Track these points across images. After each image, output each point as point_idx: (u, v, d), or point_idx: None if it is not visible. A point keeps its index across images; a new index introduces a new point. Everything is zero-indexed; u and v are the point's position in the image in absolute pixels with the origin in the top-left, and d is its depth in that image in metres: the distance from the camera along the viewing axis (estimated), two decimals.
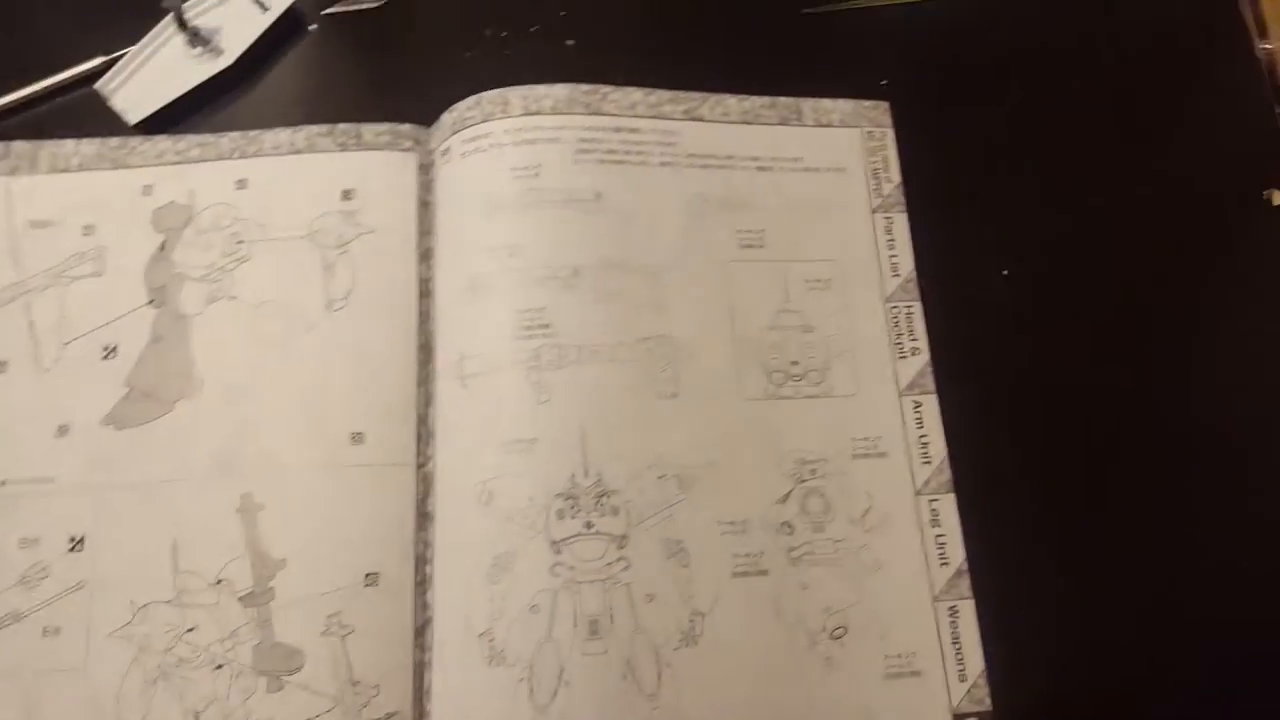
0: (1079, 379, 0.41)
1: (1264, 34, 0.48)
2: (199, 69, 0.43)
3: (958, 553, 0.39)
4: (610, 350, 0.38)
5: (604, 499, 0.37)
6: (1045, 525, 0.40)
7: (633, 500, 0.38)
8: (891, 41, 0.46)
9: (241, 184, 0.41)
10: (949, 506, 0.40)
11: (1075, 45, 0.47)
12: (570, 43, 0.45)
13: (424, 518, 0.37)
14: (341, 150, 0.41)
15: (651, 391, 0.38)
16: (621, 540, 0.37)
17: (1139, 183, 0.44)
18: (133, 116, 0.43)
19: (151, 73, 0.43)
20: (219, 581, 0.35)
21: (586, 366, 0.38)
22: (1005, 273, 0.43)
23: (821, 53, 0.46)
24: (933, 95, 0.45)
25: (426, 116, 0.42)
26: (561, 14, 0.46)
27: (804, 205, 0.42)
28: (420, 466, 0.38)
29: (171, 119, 0.43)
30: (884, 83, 0.45)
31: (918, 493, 0.40)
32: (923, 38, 0.46)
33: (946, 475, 0.40)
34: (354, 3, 0.46)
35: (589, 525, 0.37)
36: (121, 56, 0.43)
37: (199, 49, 0.44)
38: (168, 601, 0.35)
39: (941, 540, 0.39)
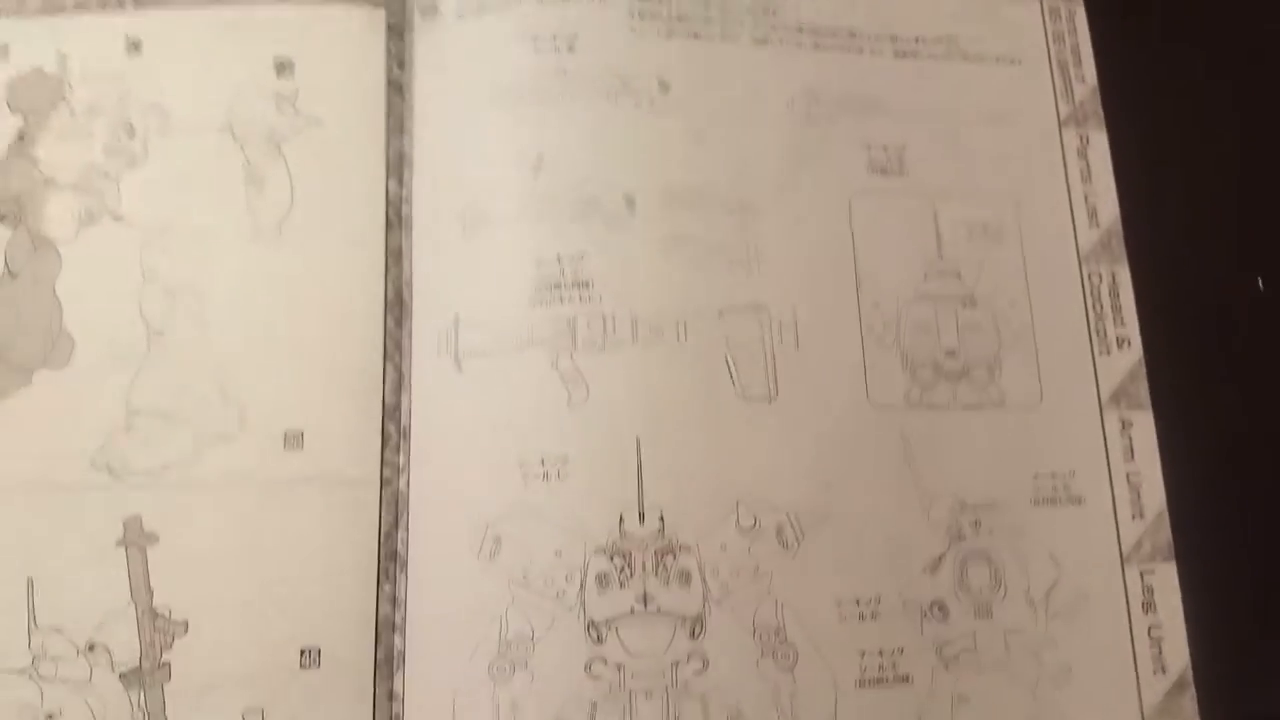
0: None
1: None
2: None
3: (1179, 654, 0.27)
4: (678, 325, 0.28)
5: (668, 558, 0.26)
6: None
7: (711, 561, 0.26)
8: None
9: (134, 47, 0.31)
10: (1168, 581, 0.27)
11: None
12: None
13: (391, 560, 0.27)
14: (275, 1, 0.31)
15: (737, 391, 0.28)
16: (695, 624, 0.25)
17: None
18: None
19: None
20: (92, 647, 0.26)
21: (643, 349, 0.28)
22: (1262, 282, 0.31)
23: None
24: None
25: None
26: None
27: (962, 110, 0.31)
28: (386, 482, 0.28)
29: None
30: None
31: (1125, 559, 0.27)
32: None
33: (1165, 535, 0.28)
34: None
35: (645, 600, 0.26)
36: None
37: None
38: (19, 671, 0.26)
39: (1157, 634, 0.27)
